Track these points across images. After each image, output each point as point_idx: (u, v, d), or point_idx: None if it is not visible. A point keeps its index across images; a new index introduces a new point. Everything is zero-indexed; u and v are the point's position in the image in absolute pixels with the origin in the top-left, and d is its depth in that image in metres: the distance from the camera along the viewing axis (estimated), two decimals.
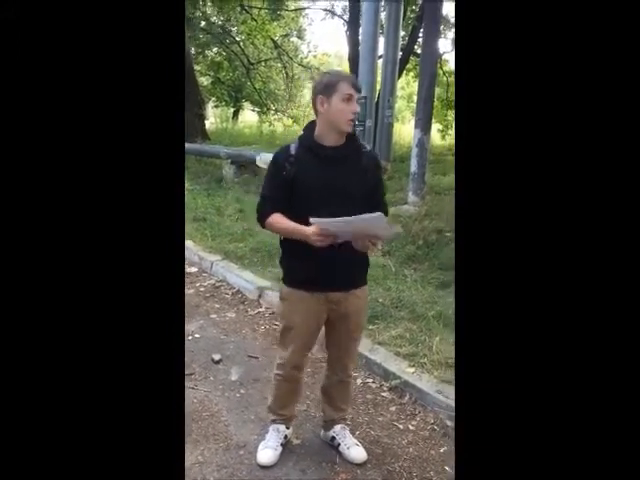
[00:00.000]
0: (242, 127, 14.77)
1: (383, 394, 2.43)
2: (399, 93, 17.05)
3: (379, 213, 1.56)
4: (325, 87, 1.65)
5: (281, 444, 1.97)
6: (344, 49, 10.66)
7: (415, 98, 5.91)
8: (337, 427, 2.03)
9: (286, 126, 14.40)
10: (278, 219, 1.72)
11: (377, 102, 6.00)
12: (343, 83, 1.63)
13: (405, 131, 12.05)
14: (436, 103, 12.05)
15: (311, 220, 1.58)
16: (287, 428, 2.00)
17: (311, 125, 1.74)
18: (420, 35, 8.08)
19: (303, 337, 1.83)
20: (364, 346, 2.56)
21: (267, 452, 1.93)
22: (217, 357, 2.71)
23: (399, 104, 17.70)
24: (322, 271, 1.72)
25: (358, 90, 1.67)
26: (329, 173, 1.69)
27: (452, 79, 12.97)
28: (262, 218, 1.76)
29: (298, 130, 14.12)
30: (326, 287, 1.75)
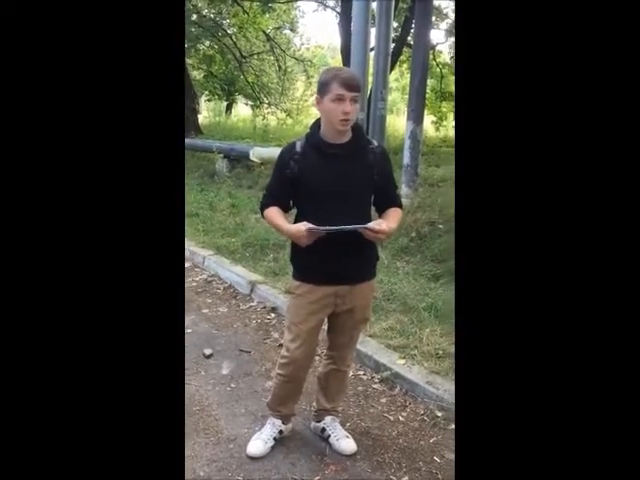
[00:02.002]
0: (235, 121, 14.73)
1: (374, 386, 2.44)
2: (393, 85, 17.01)
3: (378, 221, 1.67)
4: (320, 86, 1.66)
5: (274, 438, 1.97)
6: (337, 41, 10.60)
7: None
8: (328, 419, 2.03)
9: (280, 119, 14.32)
10: (272, 214, 1.76)
11: (370, 94, 5.97)
12: (334, 83, 1.60)
13: (399, 123, 12.01)
14: (430, 95, 12.06)
15: (305, 227, 1.62)
16: (284, 424, 2.01)
17: (318, 122, 1.74)
18: (413, 26, 8.04)
19: (309, 331, 1.81)
20: None
21: (257, 443, 1.94)
22: (208, 352, 2.71)
23: (393, 96, 17.66)
24: (329, 265, 1.73)
25: (352, 89, 1.60)
26: (334, 170, 1.69)
27: (446, 71, 12.94)
28: (262, 209, 1.81)
29: (292, 124, 14.09)
30: (333, 280, 1.76)
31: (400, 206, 1.84)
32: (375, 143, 1.78)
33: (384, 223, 1.67)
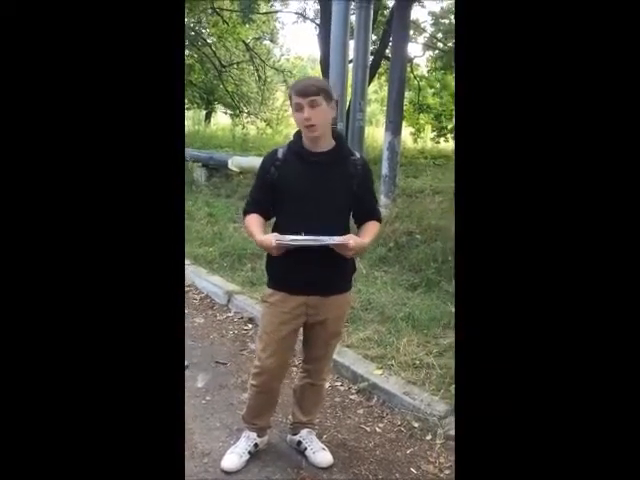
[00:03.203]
0: (215, 130, 14.64)
1: (351, 397, 2.43)
2: (372, 97, 17.21)
3: (346, 237, 1.65)
4: (289, 97, 1.70)
5: (249, 452, 1.93)
6: (317, 52, 10.68)
7: None
8: (304, 431, 2.01)
9: (259, 129, 14.32)
10: (250, 222, 1.76)
11: (349, 105, 6.01)
12: (292, 94, 1.65)
13: (378, 134, 12.13)
14: (408, 107, 12.23)
15: (275, 238, 1.62)
16: (259, 437, 1.97)
17: (300, 131, 1.75)
18: (391, 40, 8.15)
19: (279, 341, 1.80)
20: None
21: (231, 457, 1.91)
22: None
23: (372, 108, 17.85)
24: (301, 274, 1.72)
25: (307, 94, 1.62)
26: (313, 177, 1.70)
27: (423, 83, 13.17)
28: (243, 216, 1.83)
29: (271, 133, 14.10)
30: (304, 290, 1.75)
31: (379, 220, 1.85)
32: (358, 155, 1.80)
33: (352, 239, 1.66)
